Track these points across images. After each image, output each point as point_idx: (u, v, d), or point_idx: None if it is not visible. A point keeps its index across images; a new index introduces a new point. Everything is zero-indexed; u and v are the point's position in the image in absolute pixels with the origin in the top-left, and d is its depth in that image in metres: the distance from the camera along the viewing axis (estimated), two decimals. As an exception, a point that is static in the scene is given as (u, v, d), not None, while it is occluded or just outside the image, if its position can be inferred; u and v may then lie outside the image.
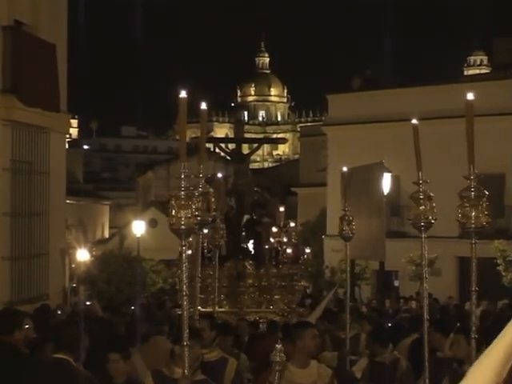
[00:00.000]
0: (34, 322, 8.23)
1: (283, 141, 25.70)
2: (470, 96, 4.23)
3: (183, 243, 4.05)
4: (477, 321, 4.40)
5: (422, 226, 4.75)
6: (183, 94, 3.90)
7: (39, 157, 17.07)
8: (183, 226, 3.98)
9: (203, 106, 4.74)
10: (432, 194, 4.71)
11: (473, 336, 4.42)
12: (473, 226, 4.24)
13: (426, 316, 4.93)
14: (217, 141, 19.14)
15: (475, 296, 4.47)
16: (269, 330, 11.84)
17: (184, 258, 4.18)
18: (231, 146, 18.33)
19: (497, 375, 1.79)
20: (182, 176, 3.97)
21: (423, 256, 4.89)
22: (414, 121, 4.74)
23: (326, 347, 10.36)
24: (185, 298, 4.12)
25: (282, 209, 16.95)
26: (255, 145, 19.92)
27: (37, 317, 10.57)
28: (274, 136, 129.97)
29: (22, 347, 7.53)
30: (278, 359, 5.79)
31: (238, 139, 18.22)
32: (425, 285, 4.97)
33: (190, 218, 3.98)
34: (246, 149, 18.50)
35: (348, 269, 9.00)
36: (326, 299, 14.33)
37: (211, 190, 4.79)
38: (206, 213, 4.62)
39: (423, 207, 4.66)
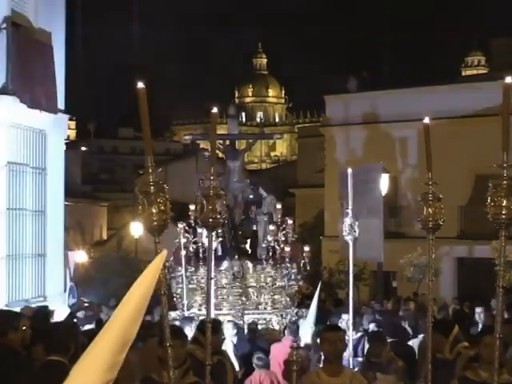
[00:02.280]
0: (33, 324, 8.22)
1: (278, 136, 25.43)
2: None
3: (157, 240, 3.88)
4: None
5: (430, 227, 4.68)
6: (141, 84, 3.68)
7: (37, 158, 17.05)
8: (155, 223, 3.84)
9: (214, 109, 4.63)
10: (441, 196, 4.65)
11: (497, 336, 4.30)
12: (503, 217, 4.08)
13: (430, 318, 4.85)
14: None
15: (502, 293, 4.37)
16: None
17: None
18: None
19: (105, 372, 1.48)
20: (150, 170, 3.87)
21: (430, 258, 4.82)
22: (426, 120, 4.64)
23: None
24: (164, 297, 3.92)
25: (279, 206, 16.57)
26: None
27: (36, 318, 10.55)
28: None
29: (19, 348, 7.52)
30: (294, 358, 5.48)
31: (232, 135, 17.92)
32: (430, 286, 4.87)
33: (161, 212, 3.83)
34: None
35: (351, 270, 9.00)
36: (315, 299, 14.01)
37: (222, 192, 4.70)
38: (217, 215, 4.52)
39: (433, 208, 4.58)
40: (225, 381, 7.46)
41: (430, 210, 4.56)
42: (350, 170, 8.43)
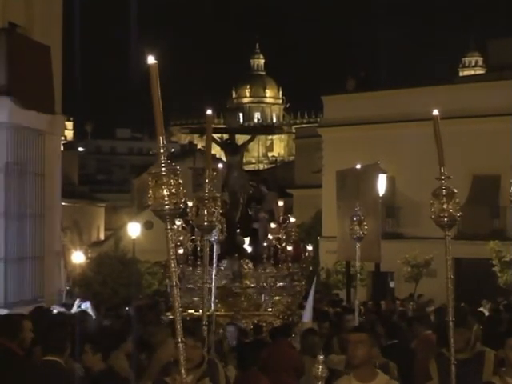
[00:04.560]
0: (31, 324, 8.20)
1: (279, 130, 25.36)
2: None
3: (169, 226, 3.53)
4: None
5: (446, 224, 4.40)
6: (152, 59, 3.47)
7: (34, 159, 17.03)
8: (167, 207, 3.47)
9: (209, 111, 4.58)
10: (456, 191, 4.42)
11: None
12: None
13: (451, 318, 4.69)
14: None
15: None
16: (271, 336, 11.49)
17: (171, 244, 3.58)
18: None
19: None
20: (162, 151, 3.52)
21: (448, 255, 4.58)
22: (435, 112, 4.47)
23: (333, 350, 10.22)
24: (176, 288, 3.59)
25: (280, 203, 16.05)
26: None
27: (33, 319, 10.51)
28: (270, 137, 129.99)
29: (17, 349, 7.53)
30: (319, 373, 4.74)
31: (231, 129, 17.41)
32: (449, 286, 4.63)
33: (172, 196, 3.47)
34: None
35: (356, 269, 8.97)
36: (310, 296, 13.74)
37: (218, 195, 4.59)
38: (212, 218, 4.39)
39: (446, 204, 4.32)
40: (217, 380, 7.44)
41: (444, 205, 4.32)
42: (358, 166, 8.41)
